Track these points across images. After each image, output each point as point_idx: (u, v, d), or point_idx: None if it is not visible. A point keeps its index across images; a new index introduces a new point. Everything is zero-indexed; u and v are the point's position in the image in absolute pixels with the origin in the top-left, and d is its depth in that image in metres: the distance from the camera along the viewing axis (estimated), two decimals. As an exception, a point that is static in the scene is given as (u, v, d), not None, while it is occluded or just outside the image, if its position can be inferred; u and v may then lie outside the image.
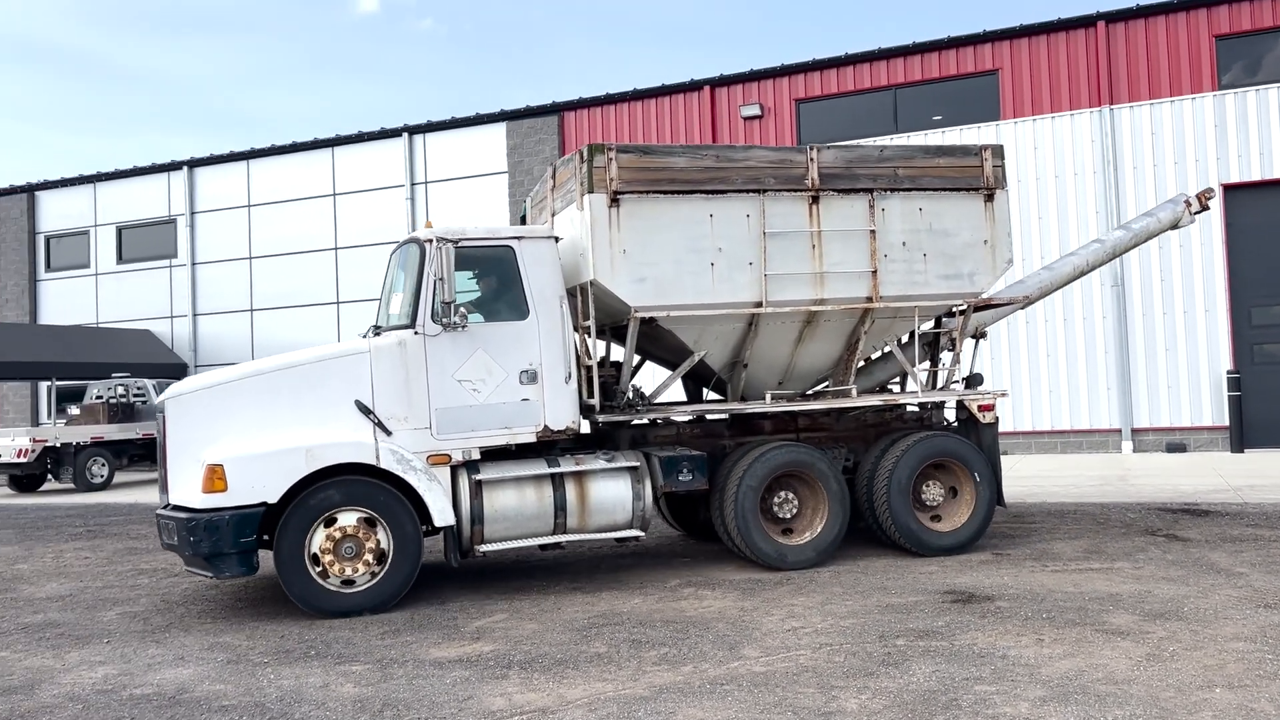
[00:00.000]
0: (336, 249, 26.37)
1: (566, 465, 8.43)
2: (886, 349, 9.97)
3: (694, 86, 22.33)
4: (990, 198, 9.43)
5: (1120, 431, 19.34)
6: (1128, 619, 6.73)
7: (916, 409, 10.07)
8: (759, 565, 8.90)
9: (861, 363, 10.02)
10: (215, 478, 7.61)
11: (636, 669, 6.07)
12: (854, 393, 9.48)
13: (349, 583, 7.86)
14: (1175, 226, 11.71)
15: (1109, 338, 19.50)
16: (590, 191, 8.52)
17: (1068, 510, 11.95)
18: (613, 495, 8.47)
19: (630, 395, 8.96)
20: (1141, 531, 10.24)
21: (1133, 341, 19.35)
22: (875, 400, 9.62)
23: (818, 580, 8.40)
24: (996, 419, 9.78)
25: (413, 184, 25.34)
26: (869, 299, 9.08)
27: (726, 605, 7.63)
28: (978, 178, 9.41)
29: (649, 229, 8.60)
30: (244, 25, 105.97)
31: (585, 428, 9.10)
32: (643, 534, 8.66)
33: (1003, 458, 19.09)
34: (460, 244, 8.20)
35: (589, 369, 8.85)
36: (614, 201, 8.53)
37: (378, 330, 8.50)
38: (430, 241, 8.17)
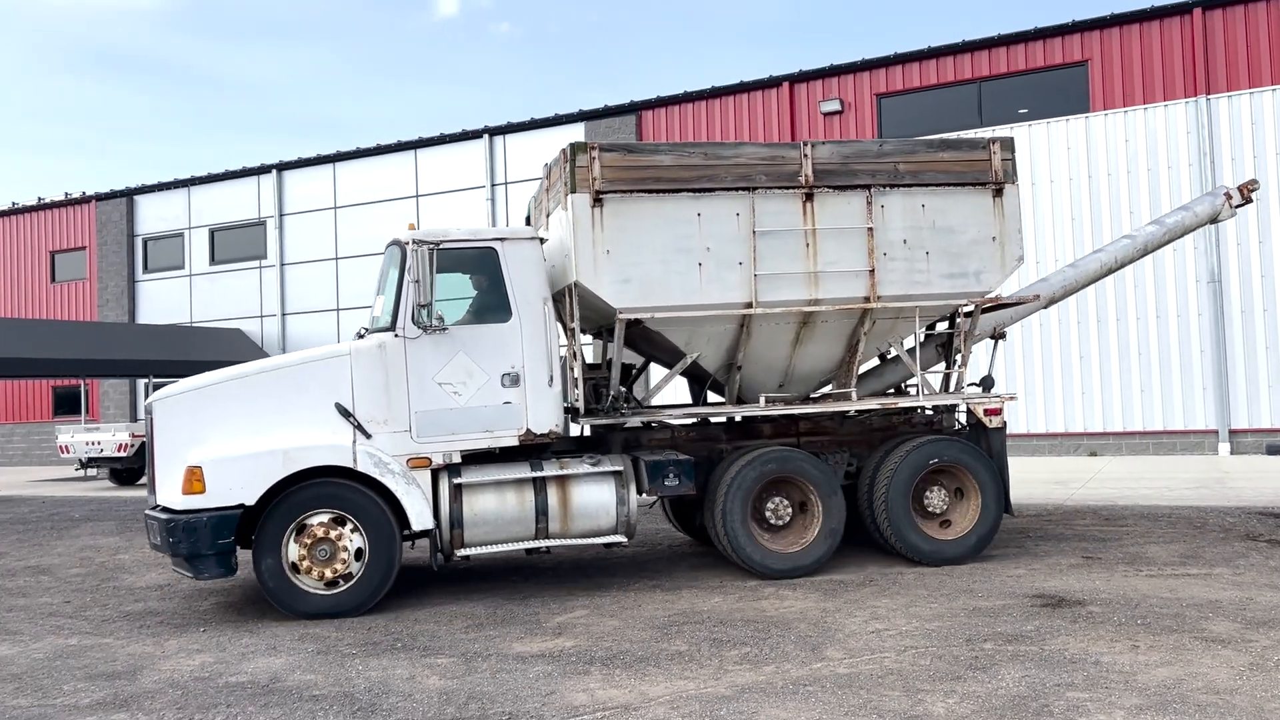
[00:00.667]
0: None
1: (550, 469, 8.29)
2: (895, 351, 9.61)
3: (773, 83, 22.18)
4: (999, 192, 9.00)
5: (1217, 433, 18.66)
6: (1228, 626, 6.49)
7: (931, 412, 9.68)
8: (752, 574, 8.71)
9: (874, 363, 9.76)
10: (194, 479, 7.67)
11: (718, 668, 6.05)
12: (854, 396, 9.15)
13: (326, 584, 7.87)
14: (1214, 220, 11.11)
15: (1204, 335, 18.83)
16: (573, 191, 8.38)
17: (1161, 513, 11.56)
18: (596, 500, 8.32)
19: (614, 398, 8.79)
20: (1241, 536, 9.87)
21: (1230, 339, 18.65)
22: (871, 404, 9.27)
23: (901, 582, 8.27)
24: (1004, 424, 9.38)
25: (493, 184, 25.66)
26: (866, 299, 8.74)
27: (808, 606, 7.56)
28: (985, 172, 8.99)
29: (634, 229, 8.42)
30: (328, 32, 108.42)
31: (577, 430, 9.09)
32: (626, 540, 8.46)
33: (1091, 459, 18.67)
34: (442, 245, 8.14)
35: (578, 371, 8.80)
36: (597, 201, 8.37)
37: (363, 334, 8.45)
38: (409, 244, 8.13)
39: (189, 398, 8.04)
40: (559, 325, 8.69)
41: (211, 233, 30.52)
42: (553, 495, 8.25)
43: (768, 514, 8.77)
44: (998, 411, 9.32)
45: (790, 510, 8.81)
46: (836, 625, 6.93)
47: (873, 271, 8.74)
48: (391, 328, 8.10)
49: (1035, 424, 19.89)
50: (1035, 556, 9.20)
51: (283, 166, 29.16)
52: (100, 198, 31.67)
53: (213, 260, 30.44)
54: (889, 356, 9.77)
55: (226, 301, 29.97)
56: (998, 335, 10.30)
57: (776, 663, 6.10)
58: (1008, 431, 9.54)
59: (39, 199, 33.37)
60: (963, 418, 9.70)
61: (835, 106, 21.45)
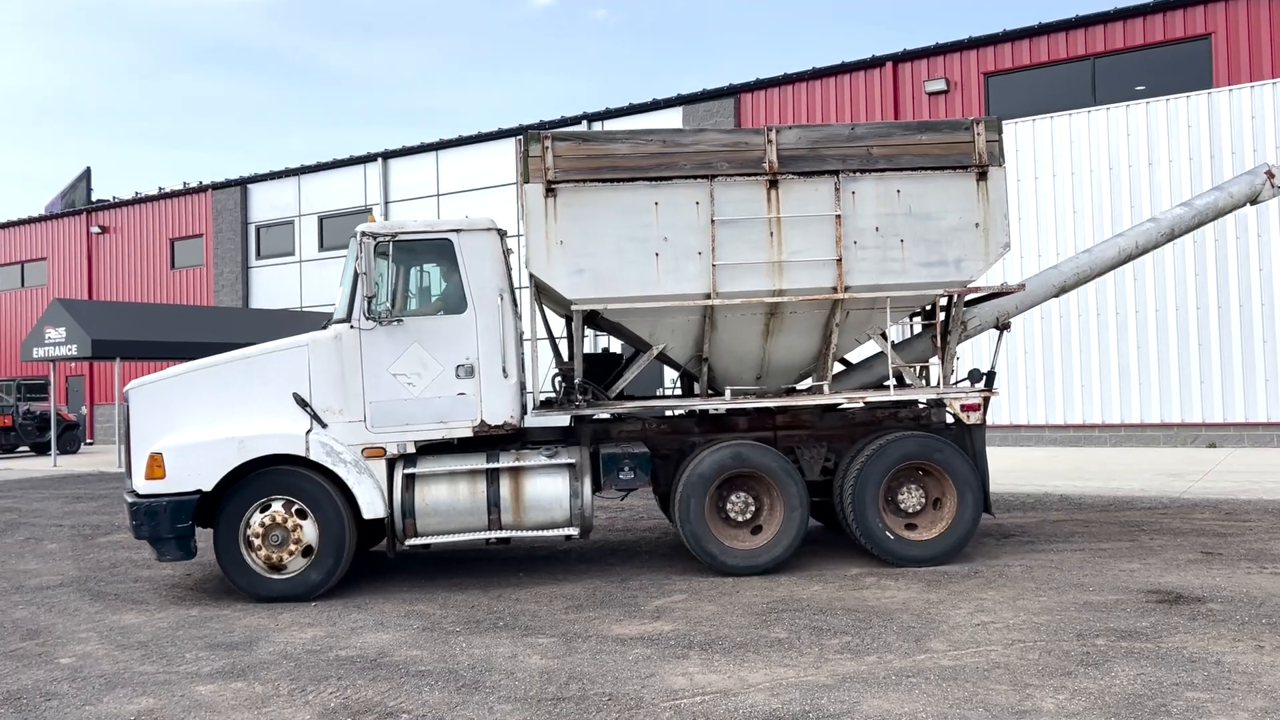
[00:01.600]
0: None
1: (505, 461, 8.26)
2: (876, 342, 9.18)
3: (875, 63, 21.74)
4: (984, 176, 8.51)
5: (1349, 425, 17.68)
6: (1363, 630, 6.15)
7: (923, 407, 9.17)
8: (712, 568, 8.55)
9: (872, 352, 9.36)
10: (155, 465, 7.96)
11: (818, 656, 6.00)
12: (826, 389, 8.83)
13: (281, 568, 8.06)
14: (1254, 201, 10.22)
15: (1337, 322, 17.82)
16: (526, 181, 8.32)
17: (1288, 509, 11.02)
18: (549, 492, 8.24)
19: (569, 389, 8.73)
20: (1377, 535, 9.33)
21: (1365, 327, 17.61)
22: (836, 398, 8.84)
23: (1008, 574, 8.06)
24: (983, 420, 8.84)
25: (591, 170, 25.76)
26: (834, 290, 8.41)
27: (910, 596, 7.43)
28: (968, 155, 8.51)
29: (588, 219, 8.29)
30: (432, 24, 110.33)
31: (565, 420, 8.89)
32: (575, 532, 8.32)
33: (1210, 450, 17.88)
34: (398, 237, 8.22)
35: (545, 362, 8.80)
36: (550, 191, 8.28)
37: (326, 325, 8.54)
38: (356, 236, 8.21)
39: (161, 386, 8.34)
40: (542, 315, 8.68)
41: (320, 220, 31.43)
42: (505, 487, 8.22)
43: (729, 509, 8.55)
44: (976, 407, 8.73)
45: (753, 506, 8.57)
46: (940, 617, 6.79)
47: (840, 261, 8.39)
48: (348, 319, 8.21)
49: (1150, 414, 19.16)
50: (1150, 551, 8.86)
51: (388, 155, 29.83)
52: (216, 187, 32.91)
53: (321, 246, 31.37)
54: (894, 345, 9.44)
55: (335, 287, 30.80)
56: (1002, 326, 9.69)
57: (878, 653, 6.01)
58: (1136, 421, 9.07)
59: (159, 189, 34.85)
60: (950, 415, 9.19)
61: (940, 86, 20.93)
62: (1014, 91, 20.76)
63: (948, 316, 8.98)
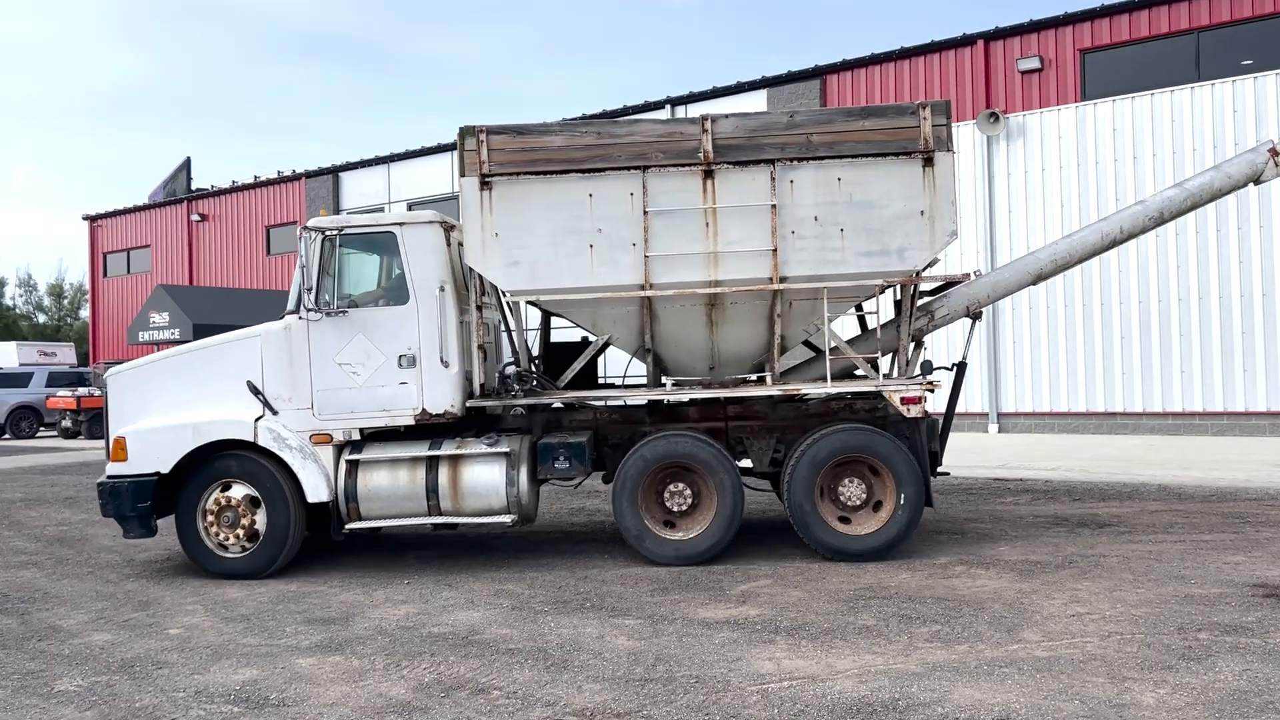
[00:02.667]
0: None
1: (447, 449, 8.42)
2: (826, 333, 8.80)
3: (966, 41, 21.20)
4: (930, 162, 8.20)
5: None
6: None
7: (879, 399, 8.85)
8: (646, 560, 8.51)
9: (832, 345, 8.93)
10: (119, 448, 8.51)
11: (907, 644, 5.94)
12: (769, 380, 8.67)
13: (233, 547, 8.48)
14: (1256, 182, 9.57)
15: None
16: (463, 175, 8.37)
17: (1406, 503, 10.50)
18: (485, 480, 8.36)
19: (506, 379, 8.78)
20: None
21: None
22: (772, 390, 8.61)
23: (1104, 565, 7.86)
24: (925, 413, 8.45)
25: (675, 155, 25.68)
26: (770, 280, 8.25)
27: (1002, 586, 7.30)
28: (914, 140, 8.20)
29: (523, 211, 8.32)
30: (515, 11, 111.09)
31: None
32: (513, 519, 8.38)
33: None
34: (345, 231, 8.50)
35: (484, 350, 8.80)
36: (485, 184, 8.32)
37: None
38: (299, 230, 8.30)
39: (135, 374, 8.87)
40: (508, 306, 8.79)
41: (409, 207, 32.00)
42: (444, 474, 8.37)
43: (667, 500, 8.53)
44: (917, 400, 8.37)
45: (690, 497, 8.53)
46: (1034, 607, 6.66)
47: (775, 251, 8.24)
48: (298, 310, 8.48)
49: (1255, 401, 18.41)
50: (1255, 544, 8.54)
51: (474, 142, 30.15)
52: (309, 175, 33.74)
53: (409, 233, 31.89)
54: (855, 337, 9.25)
55: (422, 272, 31.34)
56: (974, 315, 9.37)
57: (969, 642, 5.93)
58: (1240, 409, 8.55)
59: (255, 177, 35.87)
60: (904, 407, 8.73)
61: (1034, 64, 20.33)
62: (1112, 68, 20.06)
63: (910, 307, 8.77)
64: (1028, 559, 8.18)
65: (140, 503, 8.45)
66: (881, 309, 8.83)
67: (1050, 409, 19.76)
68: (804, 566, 8.17)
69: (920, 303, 9.10)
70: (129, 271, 38.84)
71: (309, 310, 8.42)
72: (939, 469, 9.32)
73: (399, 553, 9.45)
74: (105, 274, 39.36)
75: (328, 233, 8.47)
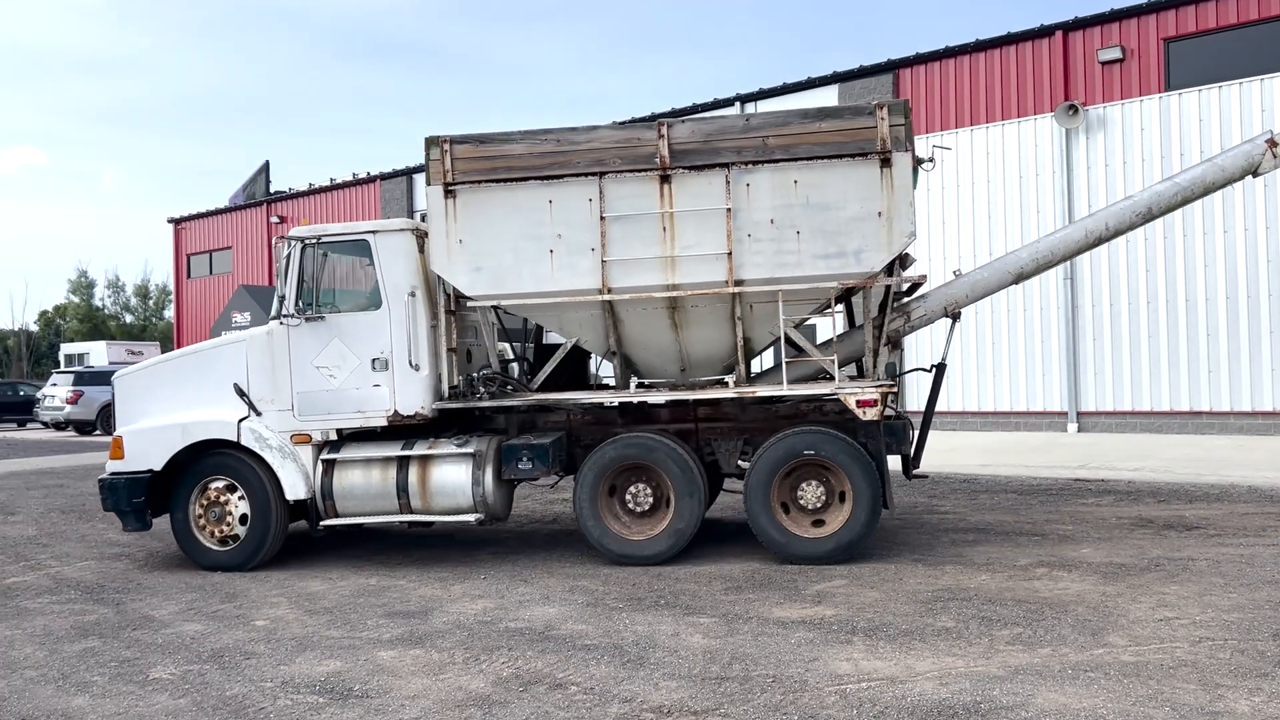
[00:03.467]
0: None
1: (419, 449, 8.67)
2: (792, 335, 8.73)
3: (1044, 32, 20.74)
4: (887, 163, 8.09)
5: None
6: None
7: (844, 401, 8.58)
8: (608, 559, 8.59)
9: (798, 346, 8.86)
10: (117, 447, 9.03)
11: (988, 647, 5.84)
12: (729, 383, 8.64)
13: (219, 541, 8.89)
14: (1254, 174, 9.12)
15: None
16: (428, 184, 8.56)
17: None
18: (452, 480, 8.58)
19: (471, 381, 8.89)
20: None
21: None
22: (727, 393, 8.55)
23: (1193, 569, 7.64)
24: (880, 416, 8.21)
25: (745, 152, 25.54)
26: (726, 283, 8.25)
27: (1085, 588, 7.14)
28: (871, 141, 8.09)
29: (486, 218, 8.47)
30: (578, 11, 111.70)
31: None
32: (479, 518, 8.59)
33: None
34: (323, 239, 8.83)
35: (453, 353, 8.93)
36: (449, 193, 8.49)
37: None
38: (277, 239, 8.52)
39: (138, 376, 9.41)
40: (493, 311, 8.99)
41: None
42: (413, 473, 8.63)
43: (629, 500, 8.64)
44: (872, 403, 8.15)
45: (650, 498, 8.62)
46: (1119, 610, 6.50)
47: (730, 254, 8.24)
48: (279, 316, 8.80)
49: (1351, 401, 17.70)
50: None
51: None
52: (383, 177, 34.33)
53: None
54: (837, 338, 9.09)
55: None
56: (953, 315, 9.18)
57: (1053, 645, 5.81)
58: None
59: (330, 180, 36.62)
60: (860, 410, 8.43)
61: (1115, 55, 19.81)
62: (1198, 58, 19.45)
63: (867, 307, 8.69)
64: (1111, 561, 7.98)
65: (135, 498, 8.90)
66: (871, 310, 8.76)
67: (1132, 408, 19.24)
68: (880, 567, 8.09)
69: (898, 304, 9.02)
70: (211, 272, 39.94)
71: (288, 316, 8.77)
72: (915, 471, 9.28)
73: (474, 548, 9.59)
74: (189, 275, 40.54)
75: (306, 241, 8.83)
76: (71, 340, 65.22)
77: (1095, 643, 5.83)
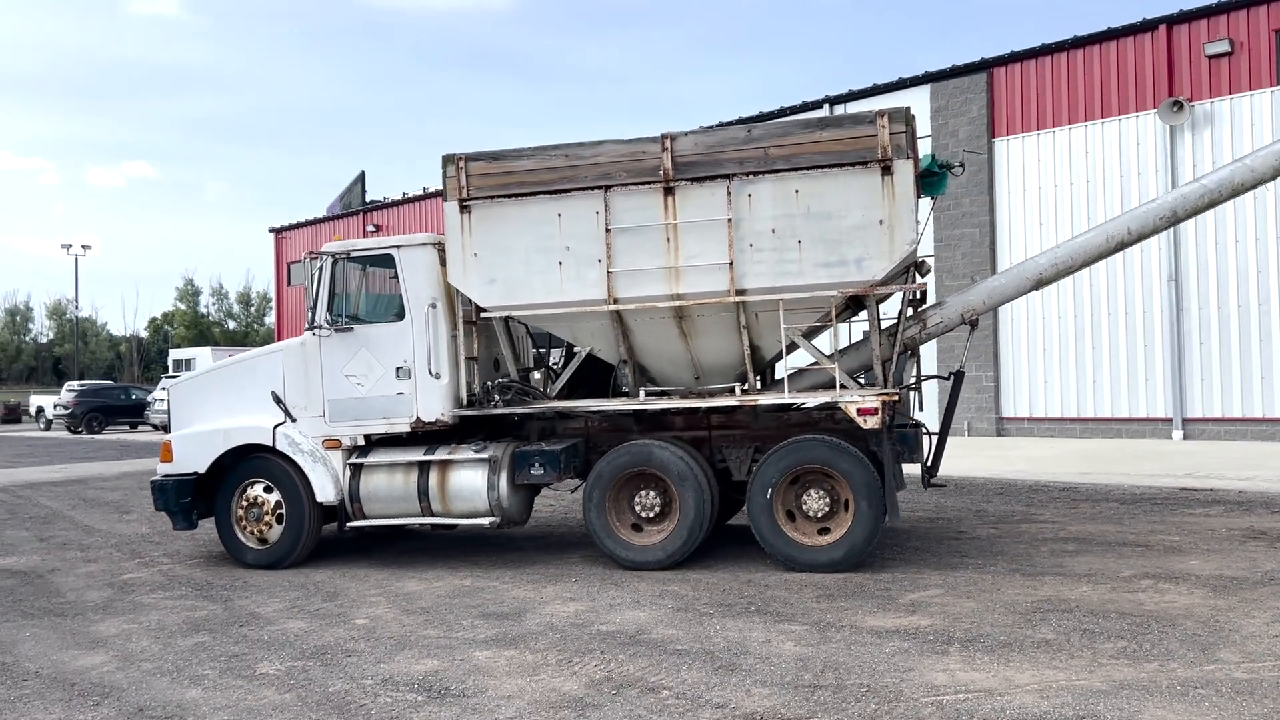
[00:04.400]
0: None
1: (439, 454, 8.97)
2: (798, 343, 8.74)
3: (1146, 27, 20.08)
4: (888, 170, 8.04)
5: None
6: None
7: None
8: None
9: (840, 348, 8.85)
10: (166, 451, 9.61)
11: (1091, 660, 5.69)
12: (737, 391, 8.73)
13: (258, 540, 9.34)
14: None
15: None
16: (445, 200, 8.90)
17: None
18: (469, 484, 8.87)
19: (487, 389, 9.03)
20: None
21: None
22: (729, 400, 8.67)
23: (1309, 583, 7.31)
24: (881, 425, 8.11)
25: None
26: (728, 293, 8.30)
27: (1194, 602, 6.89)
28: (871, 149, 8.07)
29: (499, 232, 8.73)
30: (663, 16, 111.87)
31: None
32: (494, 521, 8.84)
33: None
34: (352, 254, 9.29)
35: (473, 362, 9.12)
36: (464, 208, 8.78)
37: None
38: (305, 254, 9.36)
39: (189, 384, 10.10)
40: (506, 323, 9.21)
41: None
42: (433, 478, 8.95)
43: (637, 506, 8.78)
44: (872, 411, 8.07)
45: (658, 504, 8.73)
46: (1230, 625, 6.26)
47: (731, 264, 8.30)
48: (312, 327, 9.21)
49: None
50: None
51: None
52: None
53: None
54: (851, 344, 9.02)
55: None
56: (970, 323, 8.96)
57: (1160, 660, 5.63)
58: None
59: (424, 189, 37.40)
60: (861, 419, 8.33)
61: (1223, 48, 19.07)
62: (1313, 48, 18.60)
63: (874, 316, 8.60)
64: (1222, 574, 7.69)
65: (182, 499, 9.44)
66: (874, 318, 8.66)
67: (1242, 414, 18.48)
68: (976, 577, 7.93)
69: (912, 311, 9.00)
70: (310, 280, 41.05)
71: (319, 327, 9.17)
72: (933, 480, 9.25)
73: (565, 550, 9.69)
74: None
75: (337, 256, 9.25)
76: (179, 346, 67.90)
77: (1205, 659, 5.63)
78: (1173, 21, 19.75)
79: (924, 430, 9.09)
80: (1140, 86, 19.97)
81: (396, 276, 9.15)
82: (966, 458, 16.61)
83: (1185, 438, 18.94)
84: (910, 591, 7.52)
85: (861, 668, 5.72)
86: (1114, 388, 19.97)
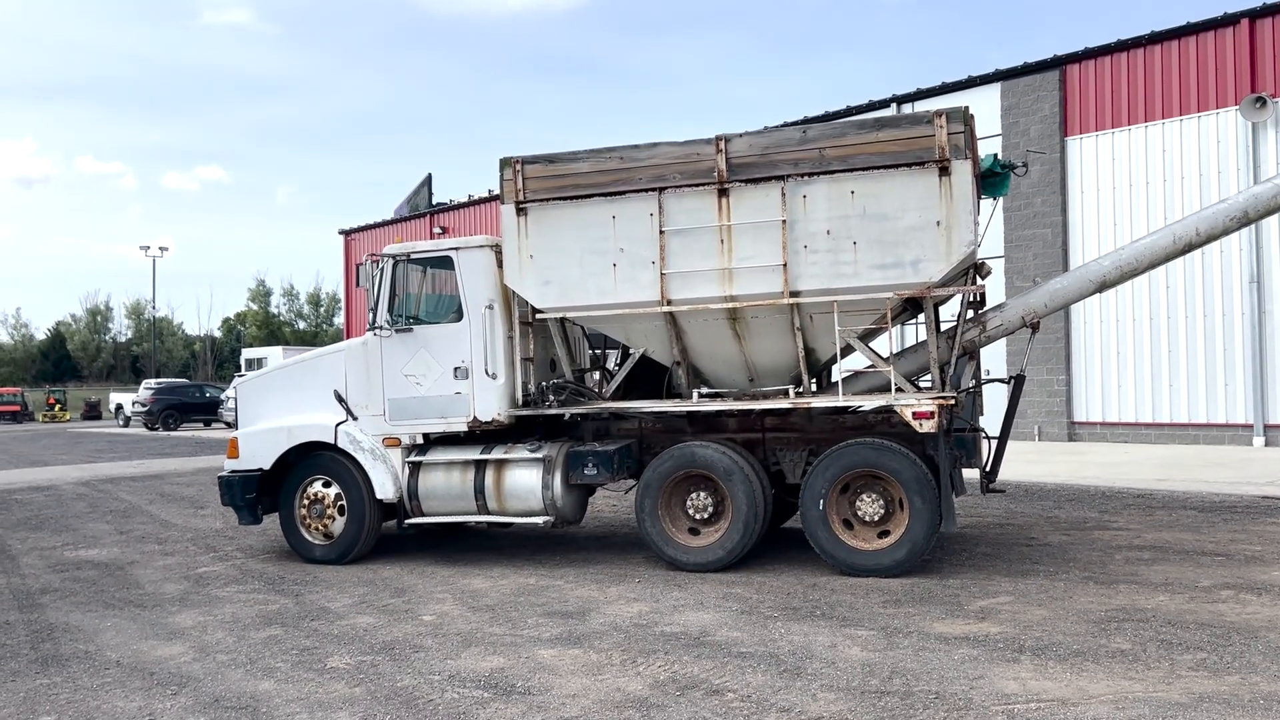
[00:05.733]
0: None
1: (495, 453, 9.06)
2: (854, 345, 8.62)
3: (1228, 21, 19.48)
4: (946, 171, 7.89)
5: None
6: None
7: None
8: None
9: (879, 356, 8.62)
10: (233, 448, 9.80)
11: (1169, 671, 5.53)
12: (790, 393, 8.70)
13: (323, 536, 9.48)
14: None
15: None
16: (501, 203, 8.96)
17: None
18: (524, 483, 8.94)
19: (542, 389, 9.10)
20: None
21: None
22: (782, 403, 8.61)
23: (1402, 597, 7.03)
24: (937, 429, 7.93)
25: (900, 155, 24.95)
26: (781, 295, 8.25)
27: (1278, 614, 6.66)
28: (929, 150, 7.93)
29: (554, 234, 8.77)
30: (724, 17, 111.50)
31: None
32: (549, 520, 8.91)
33: None
34: (413, 256, 9.44)
35: (529, 362, 9.23)
36: (520, 211, 8.82)
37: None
38: (365, 257, 9.54)
39: (256, 383, 10.26)
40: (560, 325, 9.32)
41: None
42: (489, 476, 9.06)
43: (690, 509, 8.74)
44: (929, 415, 7.91)
45: (711, 506, 8.69)
46: (1317, 639, 6.04)
47: (785, 266, 8.24)
48: (373, 328, 9.34)
49: None
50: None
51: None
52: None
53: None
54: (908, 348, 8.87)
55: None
56: (1032, 326, 8.72)
57: (1241, 673, 5.45)
58: None
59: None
60: (916, 423, 8.11)
61: (1309, 41, 18.42)
62: (1406, 40, 17.89)
63: (930, 318, 8.44)
64: (1307, 586, 7.43)
65: (248, 494, 9.64)
66: (930, 321, 8.51)
67: (1329, 421, 17.82)
68: (1047, 584, 7.77)
69: (972, 314, 8.84)
70: (378, 281, 41.69)
71: (380, 327, 9.32)
72: (992, 486, 9.11)
73: (628, 550, 9.71)
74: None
75: (397, 258, 9.41)
76: (250, 345, 69.50)
77: (1290, 673, 5.45)
78: (1256, 15, 19.14)
79: (984, 435, 8.96)
80: (1221, 82, 19.38)
81: (455, 278, 9.26)
82: (1037, 463, 16.28)
83: (1267, 444, 18.33)
84: (980, 598, 7.39)
85: (930, 674, 5.64)
86: (1191, 392, 19.41)
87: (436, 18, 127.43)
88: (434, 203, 40.86)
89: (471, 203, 38.08)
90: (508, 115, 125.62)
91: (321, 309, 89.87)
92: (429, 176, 41.59)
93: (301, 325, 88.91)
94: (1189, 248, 8.75)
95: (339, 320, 72.20)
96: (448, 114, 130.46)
